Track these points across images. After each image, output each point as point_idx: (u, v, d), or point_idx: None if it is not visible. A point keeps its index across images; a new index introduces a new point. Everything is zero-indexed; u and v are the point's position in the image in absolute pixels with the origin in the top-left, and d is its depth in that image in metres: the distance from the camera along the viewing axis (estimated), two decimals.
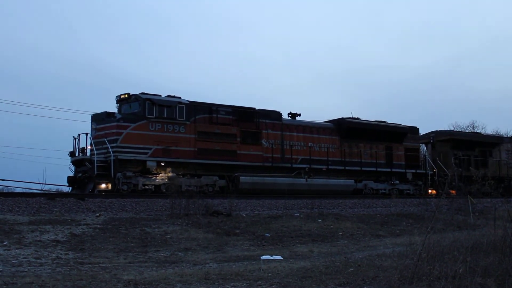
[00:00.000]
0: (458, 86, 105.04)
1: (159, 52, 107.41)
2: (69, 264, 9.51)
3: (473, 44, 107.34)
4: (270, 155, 25.30)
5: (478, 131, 51.54)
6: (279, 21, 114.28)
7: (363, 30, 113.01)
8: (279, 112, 26.59)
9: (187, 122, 22.87)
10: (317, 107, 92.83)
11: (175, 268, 9.34)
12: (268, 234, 14.35)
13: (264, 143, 25.33)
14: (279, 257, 10.66)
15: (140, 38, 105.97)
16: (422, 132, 34.14)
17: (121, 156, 20.96)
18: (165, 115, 22.26)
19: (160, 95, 22.83)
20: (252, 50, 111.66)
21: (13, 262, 9.38)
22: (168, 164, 22.18)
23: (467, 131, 53.46)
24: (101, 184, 20.96)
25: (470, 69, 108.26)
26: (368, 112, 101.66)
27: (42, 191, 21.24)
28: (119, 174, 20.81)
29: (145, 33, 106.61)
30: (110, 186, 20.92)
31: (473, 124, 60.24)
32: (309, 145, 26.95)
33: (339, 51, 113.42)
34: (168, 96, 23.17)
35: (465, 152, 34.96)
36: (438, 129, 36.96)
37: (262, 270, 8.61)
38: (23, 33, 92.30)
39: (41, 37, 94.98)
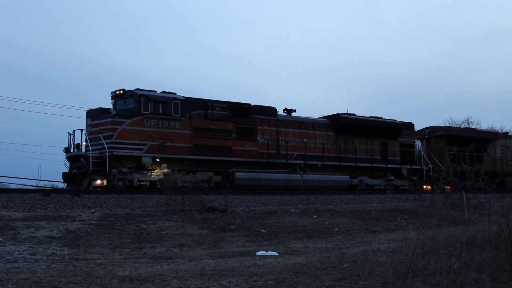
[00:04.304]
0: (453, 80, 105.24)
1: (152, 47, 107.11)
2: (64, 260, 9.50)
3: (468, 38, 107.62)
4: (266, 151, 25.31)
5: (473, 127, 51.67)
6: (272, 15, 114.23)
7: (357, 24, 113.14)
8: (275, 108, 26.64)
9: (183, 118, 22.85)
10: (311, 101, 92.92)
11: (171, 264, 9.34)
12: (263, 230, 14.37)
13: (259, 139, 25.34)
14: (275, 253, 10.67)
15: (136, 33, 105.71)
16: (417, 127, 34.28)
17: (116, 152, 20.94)
18: (160, 111, 22.24)
19: (155, 91, 22.81)
20: (245, 45, 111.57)
21: (8, 258, 9.35)
22: (163, 160, 22.18)
23: (462, 126, 53.61)
24: (96, 180, 20.95)
25: (465, 63, 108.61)
26: (362, 106, 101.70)
27: (37, 187, 21.24)
28: (114, 170, 20.80)
29: (141, 28, 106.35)
30: (105, 182, 20.91)
31: (468, 120, 60.46)
32: (305, 141, 26.98)
33: (332, 45, 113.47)
34: (163, 92, 23.15)
35: (460, 148, 35.06)
36: (433, 125, 37.10)
37: (258, 265, 8.62)
38: (24, 30, 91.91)
39: (38, 32, 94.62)
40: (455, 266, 6.69)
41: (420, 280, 6.63)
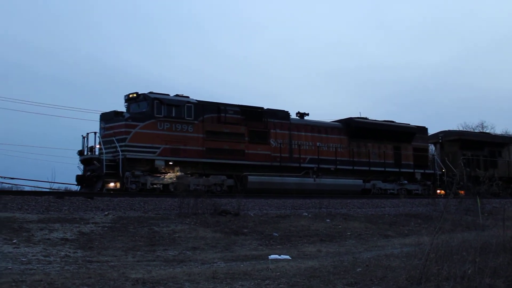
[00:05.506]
0: (467, 85, 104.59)
1: (166, 51, 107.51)
2: (77, 262, 9.55)
3: (483, 41, 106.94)
4: (278, 155, 25.29)
5: (487, 131, 51.27)
6: (286, 18, 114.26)
7: (370, 28, 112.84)
8: (287, 111, 26.61)
9: (196, 122, 22.90)
10: (324, 105, 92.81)
11: (183, 267, 9.36)
12: (276, 234, 14.35)
13: (272, 142, 25.33)
14: (287, 257, 10.66)
15: (149, 36, 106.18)
16: (430, 132, 34.10)
17: (130, 155, 21.03)
18: (173, 115, 22.30)
19: (168, 95, 22.88)
20: (258, 48, 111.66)
21: (22, 260, 9.42)
22: (176, 163, 22.23)
23: (476, 131, 53.20)
24: (109, 183, 21.04)
25: (480, 67, 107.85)
26: (376, 111, 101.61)
27: (51, 190, 21.33)
28: (127, 173, 20.88)
29: (154, 31, 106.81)
30: (118, 185, 20.99)
31: (482, 124, 59.95)
32: (317, 144, 26.92)
33: (346, 49, 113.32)
34: (177, 95, 23.22)
35: (474, 152, 34.80)
36: (446, 129, 36.85)
37: (270, 269, 8.61)
38: (40, 33, 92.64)
39: (44, 34, 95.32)
40: (469, 271, 6.65)
41: (434, 286, 6.60)
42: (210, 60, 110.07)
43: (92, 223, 13.60)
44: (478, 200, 19.44)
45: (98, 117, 23.25)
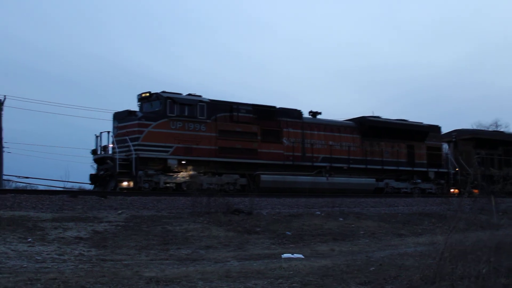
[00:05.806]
0: (481, 83, 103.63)
1: (175, 51, 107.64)
2: (91, 261, 9.61)
3: (497, 39, 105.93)
4: (291, 154, 25.25)
5: (502, 130, 50.86)
6: (296, 19, 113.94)
7: (382, 27, 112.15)
8: (300, 110, 26.55)
9: (208, 121, 22.92)
10: (337, 104, 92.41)
11: (196, 265, 9.38)
12: (289, 233, 14.35)
13: (284, 141, 25.29)
14: (300, 256, 10.65)
15: (158, 36, 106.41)
16: (444, 130, 33.87)
17: (143, 154, 21.09)
18: (186, 114, 22.34)
19: (181, 94, 22.92)
20: (270, 48, 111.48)
21: (36, 259, 9.50)
22: (189, 162, 22.27)
23: (490, 129, 52.76)
24: (122, 182, 21.09)
25: (493, 65, 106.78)
26: (388, 109, 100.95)
27: (64, 189, 21.48)
28: (140, 172, 20.93)
29: (162, 31, 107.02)
30: (131, 184, 21.04)
31: (496, 123, 59.40)
32: (330, 143, 26.84)
33: (358, 48, 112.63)
34: (189, 94, 23.25)
35: (488, 151, 34.52)
36: (460, 128, 36.60)
37: (283, 268, 8.61)
38: (47, 33, 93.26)
39: (57, 33, 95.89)
40: (484, 271, 6.61)
41: (448, 285, 6.56)
42: (220, 60, 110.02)
43: (106, 222, 13.68)
44: (493, 199, 19.33)
45: (109, 117, 23.34)
